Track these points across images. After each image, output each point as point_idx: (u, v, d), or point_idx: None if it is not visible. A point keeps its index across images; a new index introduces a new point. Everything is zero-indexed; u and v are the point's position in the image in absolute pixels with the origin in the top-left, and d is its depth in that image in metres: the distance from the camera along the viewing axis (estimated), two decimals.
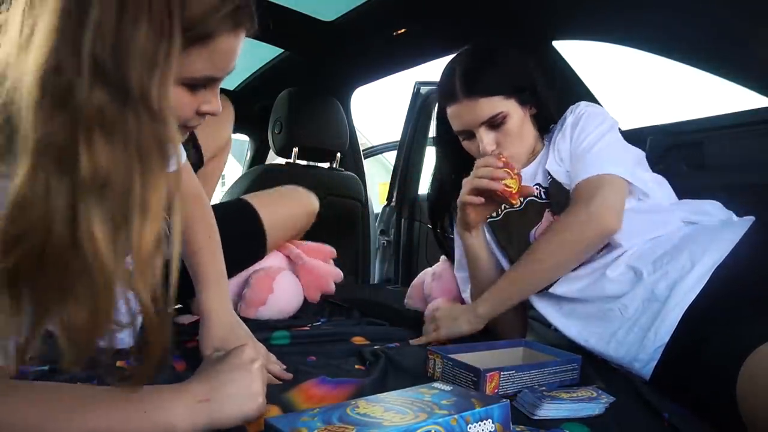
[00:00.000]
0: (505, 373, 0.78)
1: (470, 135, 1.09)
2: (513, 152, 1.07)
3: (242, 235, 1.25)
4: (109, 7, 0.45)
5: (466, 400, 0.60)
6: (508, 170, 1.00)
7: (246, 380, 0.61)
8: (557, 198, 1.03)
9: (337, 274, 1.39)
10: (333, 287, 1.37)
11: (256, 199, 1.30)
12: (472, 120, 1.06)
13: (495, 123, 1.05)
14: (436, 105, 1.18)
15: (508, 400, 0.60)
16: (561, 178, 1.03)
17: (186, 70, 0.54)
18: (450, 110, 1.09)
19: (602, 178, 0.96)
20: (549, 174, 1.05)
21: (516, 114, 1.07)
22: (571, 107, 1.11)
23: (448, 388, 0.65)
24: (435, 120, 1.22)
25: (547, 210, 1.06)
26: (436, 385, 0.66)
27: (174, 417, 0.56)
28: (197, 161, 1.27)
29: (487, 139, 1.06)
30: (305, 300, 1.36)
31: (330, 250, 1.47)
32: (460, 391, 0.64)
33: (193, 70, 0.55)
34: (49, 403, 0.54)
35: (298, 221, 1.39)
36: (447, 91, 1.09)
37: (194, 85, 0.58)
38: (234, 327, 0.88)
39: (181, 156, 0.61)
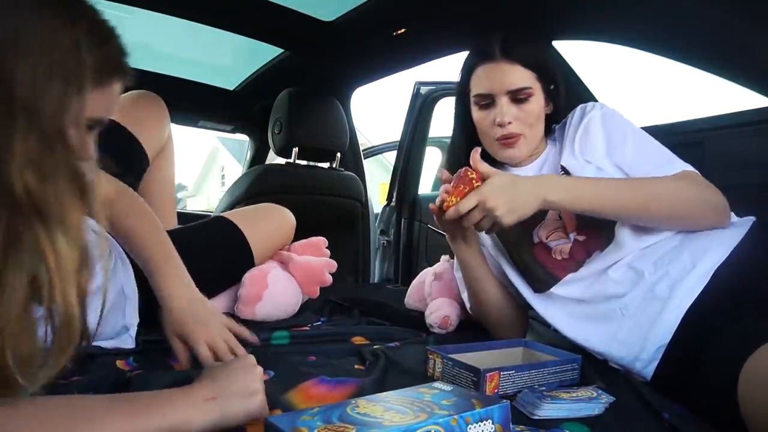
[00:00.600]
0: (505, 373, 0.78)
1: (489, 104, 1.07)
2: (526, 134, 1.07)
3: (228, 249, 1.27)
4: (28, 62, 0.51)
5: (467, 400, 0.60)
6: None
7: (246, 379, 0.65)
8: None
9: (331, 264, 1.37)
10: (329, 278, 1.35)
11: (235, 217, 1.32)
12: (500, 84, 1.04)
13: (519, 97, 1.04)
14: (461, 75, 1.13)
15: (508, 401, 0.60)
16: (578, 172, 1.01)
17: (90, 110, 0.58)
18: (481, 69, 1.07)
19: (695, 174, 0.95)
20: (563, 170, 1.03)
21: (539, 100, 1.07)
22: (581, 106, 1.10)
23: (448, 388, 0.65)
24: (455, 100, 1.17)
25: None
26: (436, 385, 0.66)
27: (188, 415, 0.59)
28: (142, 161, 1.28)
29: (507, 109, 1.04)
30: (307, 299, 1.36)
31: (321, 241, 1.45)
32: (461, 392, 0.64)
33: (94, 111, 0.59)
34: (66, 418, 0.55)
35: (280, 235, 1.40)
36: (484, 49, 1.07)
37: (89, 126, 0.62)
38: (194, 305, 0.88)
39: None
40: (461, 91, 1.14)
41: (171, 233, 0.99)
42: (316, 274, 1.34)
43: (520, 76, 1.04)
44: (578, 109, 1.10)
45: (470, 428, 0.55)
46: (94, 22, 0.59)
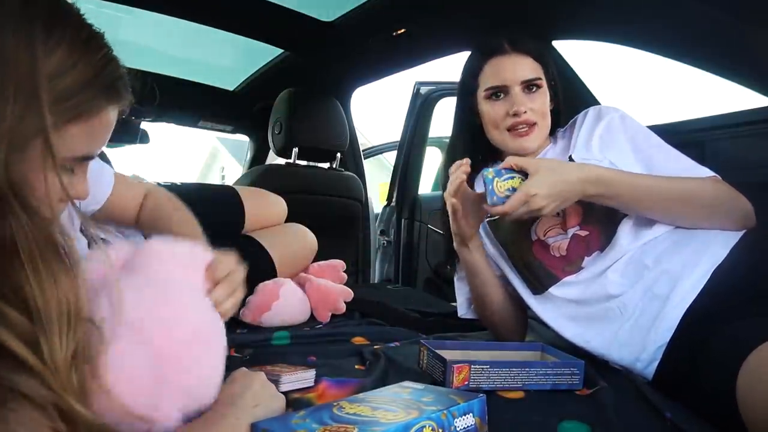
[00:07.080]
0: (477, 366, 0.78)
1: (501, 96, 1.08)
2: (539, 123, 1.07)
3: (258, 275, 1.29)
4: None
5: (445, 396, 0.63)
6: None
7: (269, 387, 0.65)
8: None
9: (347, 292, 1.37)
10: (343, 306, 1.34)
11: (263, 238, 1.35)
12: (513, 75, 1.07)
13: (531, 87, 1.07)
14: (465, 75, 1.15)
15: (484, 395, 0.63)
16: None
17: (64, 149, 0.47)
18: (490, 64, 1.09)
19: (720, 180, 0.95)
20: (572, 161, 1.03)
21: (546, 94, 1.09)
22: (595, 108, 1.10)
23: (420, 386, 0.67)
24: (457, 100, 1.18)
25: None
26: (406, 384, 0.69)
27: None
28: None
29: (521, 99, 1.06)
30: (313, 319, 1.35)
31: (340, 264, 1.49)
32: (433, 389, 0.67)
33: (71, 150, 0.49)
34: None
35: (303, 257, 1.45)
36: (492, 44, 1.10)
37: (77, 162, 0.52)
38: None
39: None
40: (465, 90, 1.15)
41: None
42: (331, 299, 1.33)
43: (531, 67, 1.08)
44: (591, 110, 1.10)
45: (456, 421, 0.58)
46: (71, 40, 0.47)
